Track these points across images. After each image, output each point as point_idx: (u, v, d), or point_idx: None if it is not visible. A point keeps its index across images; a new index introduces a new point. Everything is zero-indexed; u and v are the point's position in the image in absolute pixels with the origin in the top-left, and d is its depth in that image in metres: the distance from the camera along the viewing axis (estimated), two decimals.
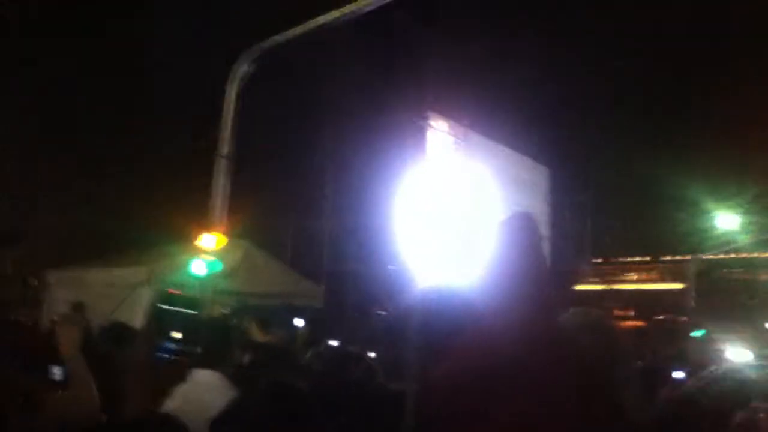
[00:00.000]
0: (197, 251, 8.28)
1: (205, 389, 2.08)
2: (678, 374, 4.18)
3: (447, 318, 1.17)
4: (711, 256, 31.84)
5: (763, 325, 19.39)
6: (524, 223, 1.20)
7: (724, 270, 49.21)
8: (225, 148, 8.75)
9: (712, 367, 5.05)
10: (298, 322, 7.03)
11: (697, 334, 12.82)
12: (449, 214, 16.91)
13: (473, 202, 16.78)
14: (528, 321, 1.09)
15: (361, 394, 5.08)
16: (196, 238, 8.28)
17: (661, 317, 37.54)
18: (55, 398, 3.26)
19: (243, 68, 9.06)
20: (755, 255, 44.40)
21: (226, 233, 8.77)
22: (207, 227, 8.43)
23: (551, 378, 1.01)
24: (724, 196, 21.91)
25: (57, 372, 3.61)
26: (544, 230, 19.75)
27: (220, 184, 8.61)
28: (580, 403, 1.00)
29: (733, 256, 44.69)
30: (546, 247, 20.70)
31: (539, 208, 19.81)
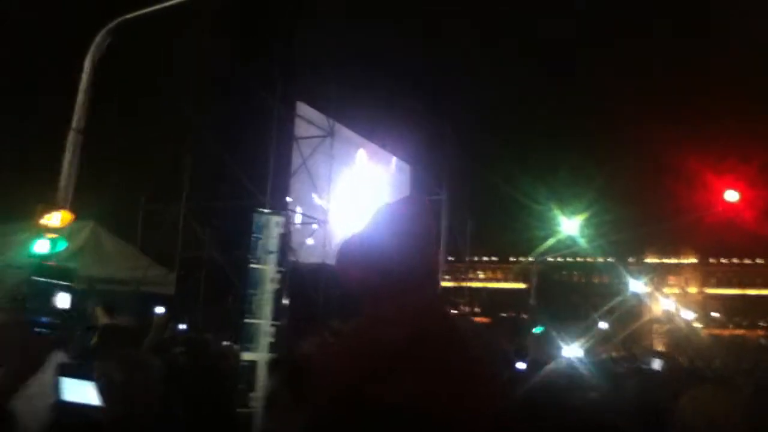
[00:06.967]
0: (40, 229, 7.71)
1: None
2: (520, 365, 4.49)
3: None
4: (551, 259, 34.02)
5: (593, 323, 21.02)
6: (418, 208, 1.23)
7: (563, 272, 53.06)
8: (78, 121, 8.20)
9: (551, 363, 5.45)
10: (157, 309, 6.78)
11: (536, 330, 13.66)
12: (319, 201, 16.91)
13: (340, 191, 16.85)
14: (421, 306, 1.12)
15: (212, 374, 5.04)
16: (39, 216, 7.70)
17: (505, 314, 39.77)
18: None
19: (100, 41, 8.53)
20: (590, 259, 48.12)
21: (72, 211, 8.22)
22: (52, 205, 7.86)
23: (440, 363, 1.05)
24: (566, 203, 23.47)
25: None
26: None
27: (70, 159, 8.06)
28: (462, 389, 1.06)
29: (570, 259, 48.12)
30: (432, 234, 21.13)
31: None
